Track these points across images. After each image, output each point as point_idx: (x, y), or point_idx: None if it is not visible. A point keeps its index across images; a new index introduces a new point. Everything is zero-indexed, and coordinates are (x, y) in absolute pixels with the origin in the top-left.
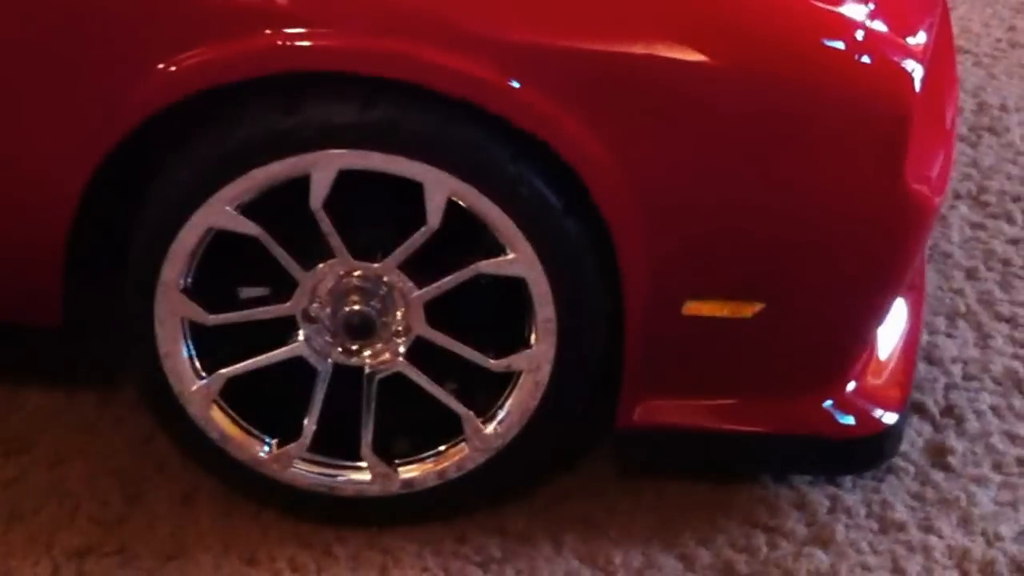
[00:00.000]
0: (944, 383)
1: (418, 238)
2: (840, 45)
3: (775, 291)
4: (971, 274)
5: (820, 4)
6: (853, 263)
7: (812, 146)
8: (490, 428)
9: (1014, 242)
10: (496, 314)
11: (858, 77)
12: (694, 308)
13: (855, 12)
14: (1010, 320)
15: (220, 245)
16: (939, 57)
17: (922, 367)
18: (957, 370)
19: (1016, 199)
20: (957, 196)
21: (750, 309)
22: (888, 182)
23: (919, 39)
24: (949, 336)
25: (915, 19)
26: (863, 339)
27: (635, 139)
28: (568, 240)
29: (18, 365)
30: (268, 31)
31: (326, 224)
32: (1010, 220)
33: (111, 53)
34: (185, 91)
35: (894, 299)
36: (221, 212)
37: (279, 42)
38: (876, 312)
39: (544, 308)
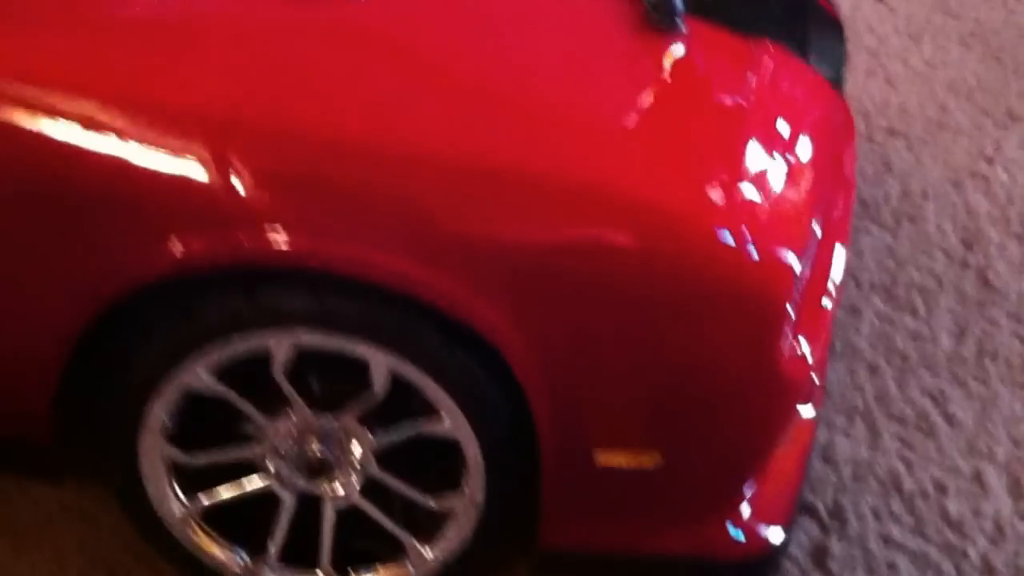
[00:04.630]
0: (835, 484)
1: (367, 401)
2: (728, 236)
3: (670, 442)
4: (873, 370)
5: (713, 189)
6: (736, 423)
7: (696, 325)
8: (430, 552)
9: (915, 336)
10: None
11: (741, 269)
12: (602, 457)
13: (747, 195)
14: (900, 419)
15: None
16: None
17: (817, 466)
18: (848, 471)
19: (922, 291)
20: (872, 287)
21: (650, 457)
22: (763, 363)
23: (806, 223)
24: (846, 435)
25: (809, 193)
26: (751, 474)
27: (541, 318)
28: (492, 404)
29: (25, 461)
30: (231, 231)
31: (287, 388)
32: (914, 312)
33: (101, 239)
34: (158, 274)
35: (778, 443)
36: (193, 375)
37: (242, 242)
38: (760, 455)
39: (474, 460)
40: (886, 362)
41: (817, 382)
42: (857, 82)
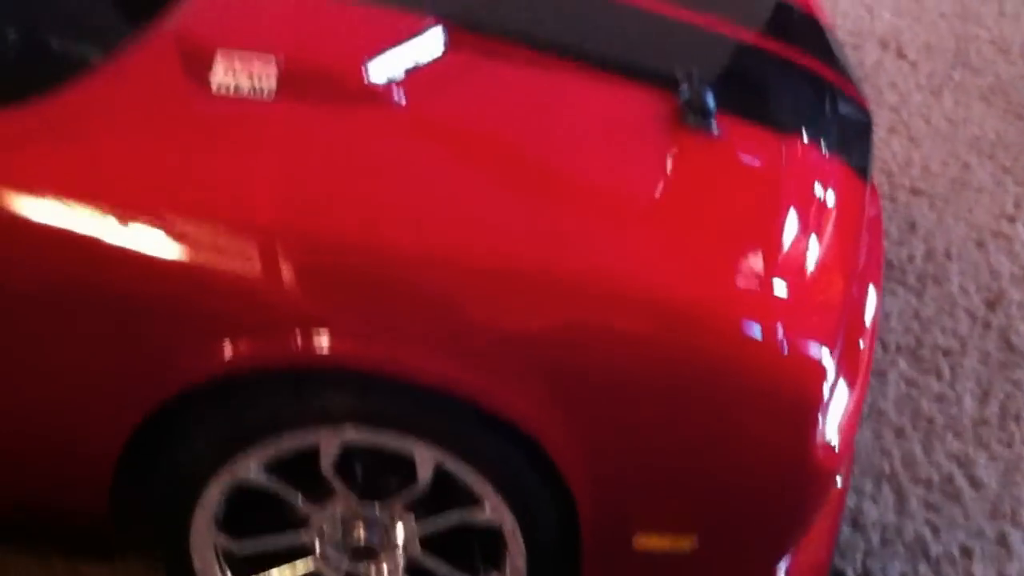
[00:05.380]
0: (863, 549)
1: (413, 492)
2: (759, 331)
3: (706, 527)
4: (899, 433)
5: (743, 283)
6: (771, 509)
7: (728, 418)
8: None
9: (939, 399)
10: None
11: (772, 363)
12: (641, 540)
13: (777, 288)
14: (926, 483)
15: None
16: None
17: (846, 531)
18: (876, 536)
19: (947, 353)
20: (897, 349)
21: (687, 540)
22: (796, 454)
23: (837, 316)
24: (873, 500)
25: (836, 283)
26: (785, 553)
27: (577, 410)
28: (534, 491)
29: (75, 536)
30: (279, 335)
31: (336, 482)
32: (939, 375)
33: (156, 342)
34: (209, 376)
35: (810, 525)
36: (243, 469)
37: (289, 345)
38: (794, 536)
39: (516, 543)
40: (912, 426)
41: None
42: (880, 140)
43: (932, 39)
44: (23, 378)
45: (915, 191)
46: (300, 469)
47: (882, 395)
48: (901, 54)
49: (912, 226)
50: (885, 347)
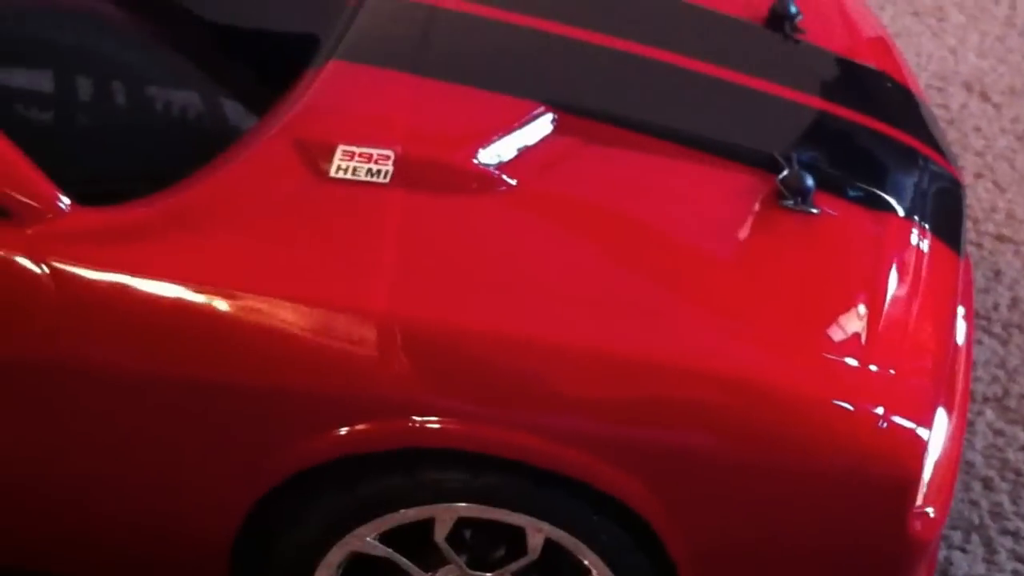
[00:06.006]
0: None
1: (522, 562)
2: (854, 408)
3: None
4: (987, 484)
5: (839, 364)
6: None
7: (827, 494)
8: None
9: None
10: None
11: (869, 441)
12: None
13: (872, 368)
14: (1014, 534)
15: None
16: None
17: None
18: None
19: None
20: (984, 399)
21: None
22: (892, 528)
23: (931, 390)
24: (962, 551)
25: (932, 357)
26: None
27: (679, 490)
28: (638, 564)
29: None
30: (394, 418)
31: (449, 553)
32: None
33: (273, 425)
34: (326, 457)
35: None
36: (359, 541)
37: (404, 427)
38: None
39: None
40: (1000, 477)
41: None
42: (965, 186)
43: (1017, 82)
44: (143, 464)
45: (1000, 238)
46: (413, 536)
47: (970, 445)
48: (986, 97)
49: (997, 274)
50: (972, 397)
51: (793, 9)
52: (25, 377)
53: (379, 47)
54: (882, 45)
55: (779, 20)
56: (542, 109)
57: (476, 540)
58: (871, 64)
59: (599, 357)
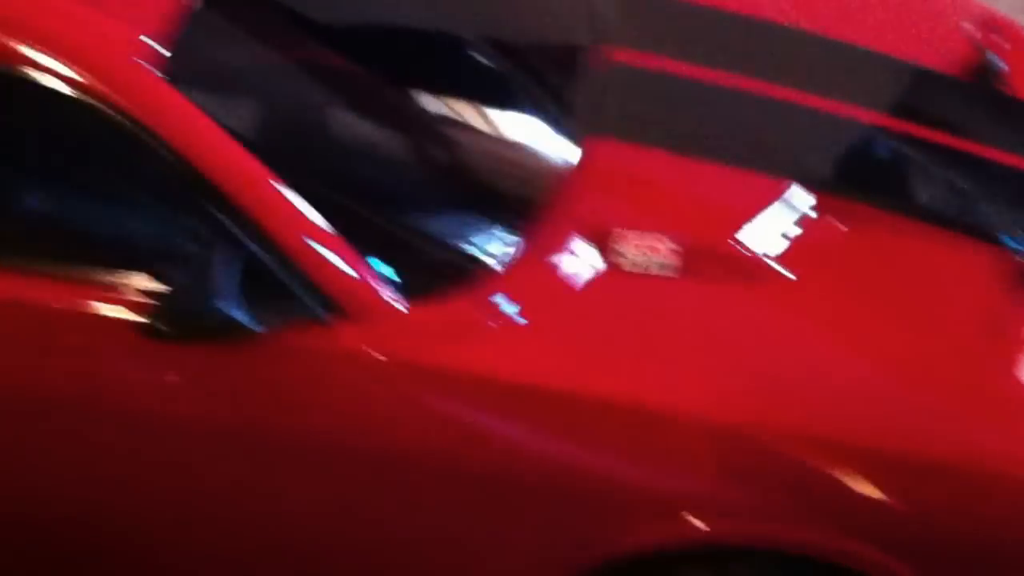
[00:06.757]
0: None
1: None
2: None
3: None
4: None
5: None
6: None
7: None
8: None
9: None
10: None
11: None
12: None
13: None
14: None
15: None
16: None
17: None
18: None
19: None
20: None
21: None
22: None
23: None
24: None
25: None
26: None
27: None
28: None
29: None
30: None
31: None
32: None
33: (570, 522)
34: (624, 553)
35: None
36: None
37: (722, 524)
38: None
39: None
40: None
41: None
42: None
43: None
44: (458, 551)
45: None
46: None
47: None
48: None
49: None
50: None
51: (1002, 65)
52: (364, 464)
53: (638, 123)
54: None
55: (986, 76)
56: (802, 189)
57: None
58: None
59: (897, 458)
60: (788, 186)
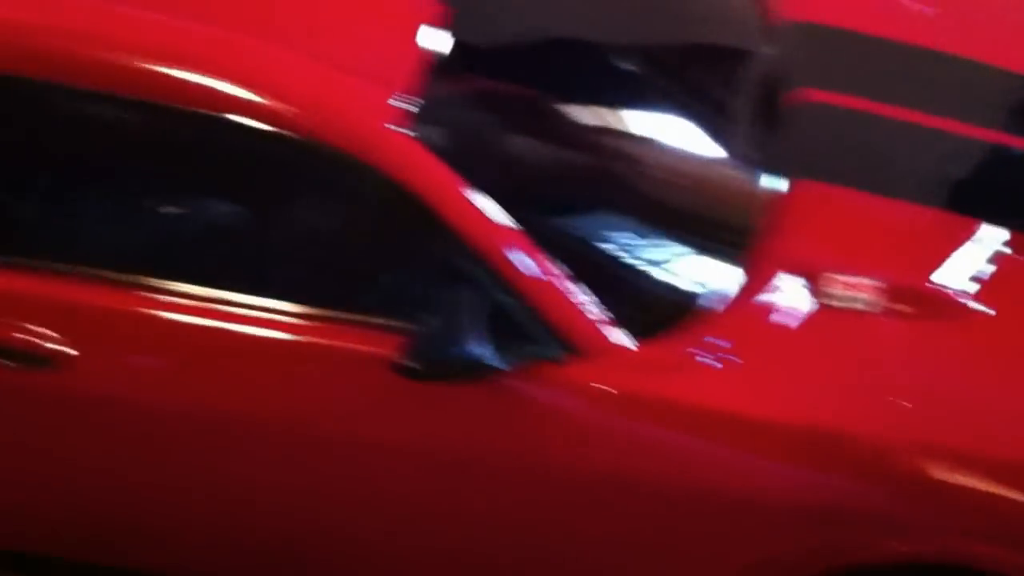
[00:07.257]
0: None
1: None
2: None
3: None
4: None
5: None
6: None
7: None
8: None
9: None
10: None
11: None
12: None
13: None
14: None
15: None
16: None
17: None
18: None
19: None
20: None
21: None
22: None
23: None
24: None
25: None
26: None
27: None
28: None
29: None
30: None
31: None
32: None
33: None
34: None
35: None
36: None
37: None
38: None
39: None
40: None
41: None
42: None
43: None
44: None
45: None
46: None
47: None
48: None
49: None
50: None
51: None
52: (578, 487)
53: (834, 163)
54: None
55: None
56: (993, 226)
57: None
58: None
59: None
60: (979, 224)
